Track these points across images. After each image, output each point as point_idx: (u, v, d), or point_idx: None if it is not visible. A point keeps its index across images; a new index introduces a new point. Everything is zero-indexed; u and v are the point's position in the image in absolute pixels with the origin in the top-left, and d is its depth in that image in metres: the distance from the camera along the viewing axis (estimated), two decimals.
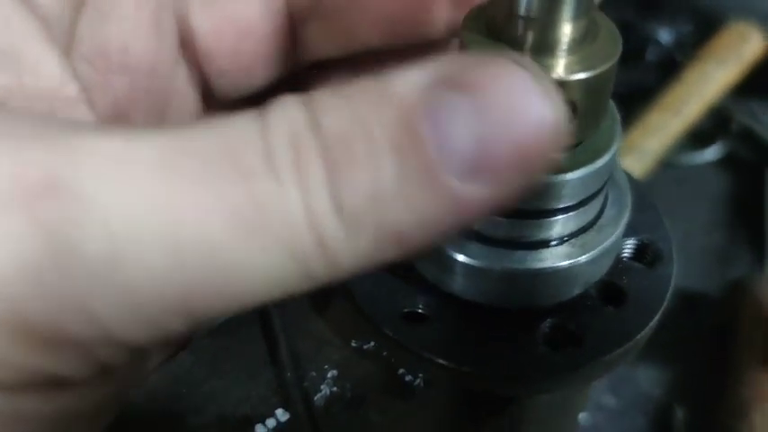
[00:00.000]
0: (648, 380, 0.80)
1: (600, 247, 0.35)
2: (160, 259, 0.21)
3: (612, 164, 0.34)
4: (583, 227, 0.35)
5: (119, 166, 0.22)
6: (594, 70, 0.29)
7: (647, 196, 0.42)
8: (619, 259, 0.38)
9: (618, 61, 0.29)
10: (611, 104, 0.35)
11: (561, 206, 0.33)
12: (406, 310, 0.35)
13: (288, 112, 0.23)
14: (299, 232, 0.22)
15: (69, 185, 0.21)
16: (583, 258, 0.34)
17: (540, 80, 0.23)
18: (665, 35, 1.04)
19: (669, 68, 1.00)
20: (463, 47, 0.30)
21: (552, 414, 0.43)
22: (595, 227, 0.36)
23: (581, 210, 0.34)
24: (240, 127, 0.23)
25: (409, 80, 0.23)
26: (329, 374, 0.40)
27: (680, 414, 0.77)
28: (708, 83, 0.95)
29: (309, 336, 0.42)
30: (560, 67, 0.29)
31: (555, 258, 0.34)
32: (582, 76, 0.29)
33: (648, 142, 0.91)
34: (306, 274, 0.23)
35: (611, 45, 0.29)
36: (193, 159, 0.22)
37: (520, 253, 0.34)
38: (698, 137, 0.98)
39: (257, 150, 0.22)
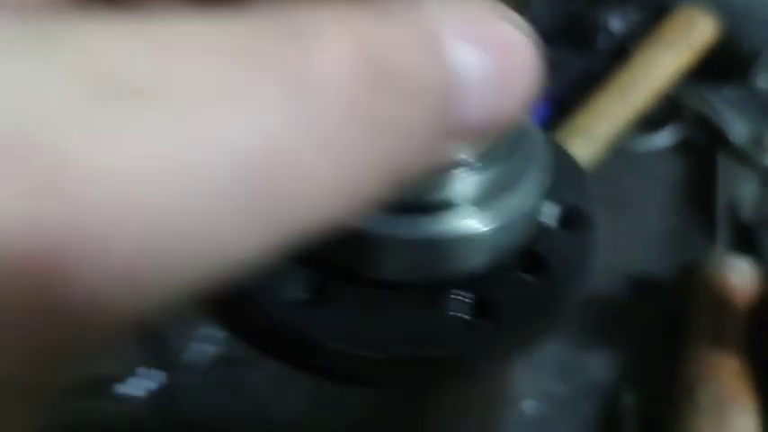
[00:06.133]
0: (598, 366, 0.77)
1: (513, 213, 0.31)
2: None
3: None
4: (492, 189, 0.31)
5: None
6: None
7: (569, 156, 0.38)
8: (540, 225, 0.35)
9: None
10: None
11: (465, 160, 0.30)
12: (295, 295, 0.31)
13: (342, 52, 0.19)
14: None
15: None
16: (493, 224, 0.31)
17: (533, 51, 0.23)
18: (615, 23, 1.02)
19: (620, 57, 0.99)
20: None
21: (470, 408, 0.40)
22: (508, 190, 0.32)
23: (489, 168, 0.31)
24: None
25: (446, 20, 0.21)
26: (202, 331, 0.37)
27: (629, 400, 0.74)
28: (655, 67, 0.93)
29: None
30: None
31: (460, 224, 0.30)
32: None
33: (596, 125, 0.89)
34: None
35: None
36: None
37: (417, 218, 0.30)
38: (650, 123, 0.96)
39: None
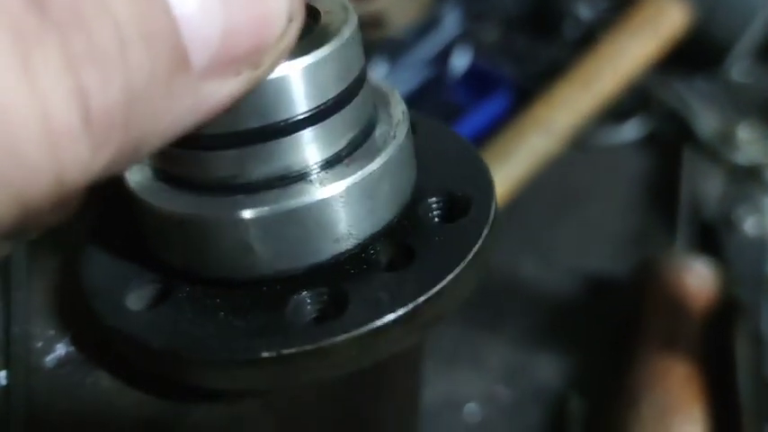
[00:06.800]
0: (546, 369, 0.73)
1: (353, 183, 0.27)
2: None
3: (353, 58, 0.27)
4: (328, 158, 0.28)
5: None
6: None
7: (465, 143, 0.34)
8: (416, 215, 0.31)
9: None
10: None
11: (284, 119, 0.26)
12: (132, 295, 0.29)
13: None
14: (29, 150, 0.17)
15: None
16: (327, 196, 0.27)
17: None
18: (583, 10, 0.98)
19: (588, 46, 0.95)
20: None
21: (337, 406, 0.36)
22: (346, 159, 0.28)
23: (319, 128, 0.27)
24: None
25: None
26: (48, 331, 0.34)
27: (576, 406, 0.70)
28: (623, 56, 0.89)
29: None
30: None
31: (286, 197, 0.27)
32: None
33: (557, 117, 0.84)
34: (24, 197, 0.18)
35: None
36: None
37: (253, 195, 0.27)
38: (615, 115, 0.92)
39: None
